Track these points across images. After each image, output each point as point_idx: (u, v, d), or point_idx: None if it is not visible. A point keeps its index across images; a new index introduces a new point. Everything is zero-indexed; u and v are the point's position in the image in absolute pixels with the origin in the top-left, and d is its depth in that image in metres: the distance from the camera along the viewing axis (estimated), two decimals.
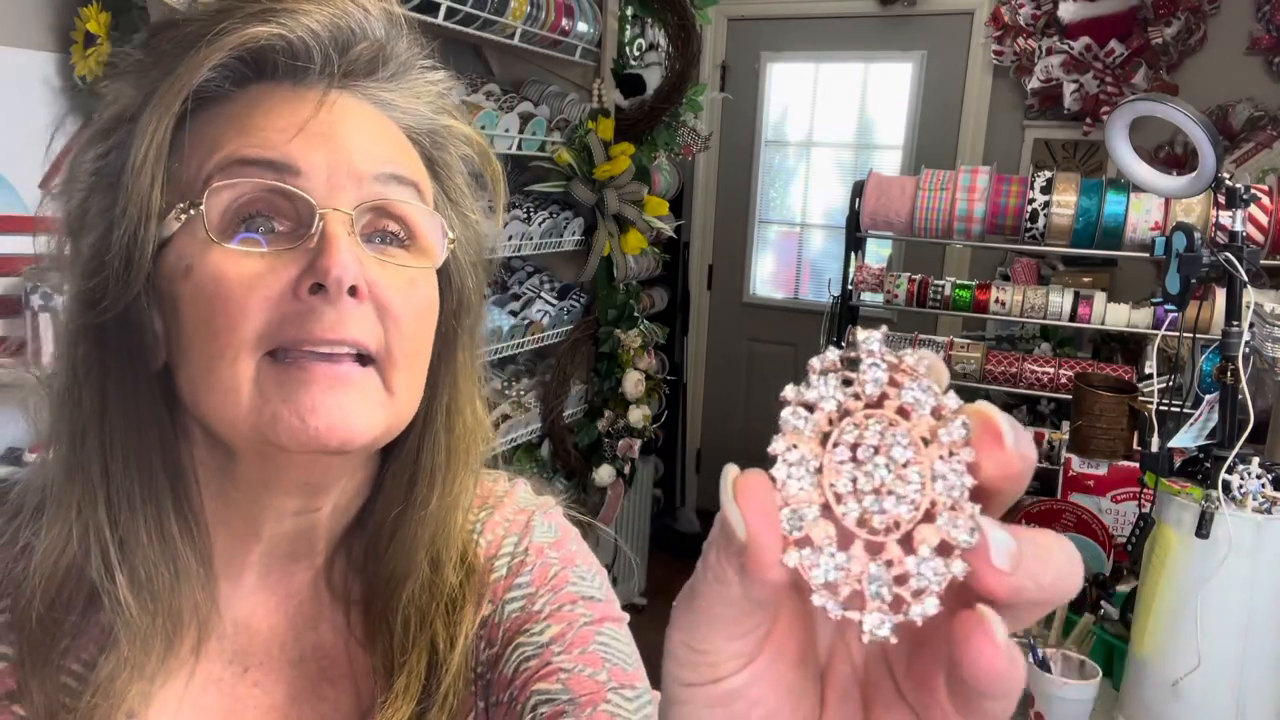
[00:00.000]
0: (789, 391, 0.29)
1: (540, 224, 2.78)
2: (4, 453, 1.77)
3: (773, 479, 0.28)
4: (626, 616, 0.66)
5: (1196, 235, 1.52)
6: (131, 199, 0.52)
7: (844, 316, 2.92)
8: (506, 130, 2.60)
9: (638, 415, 3.24)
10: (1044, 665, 1.52)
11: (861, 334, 0.29)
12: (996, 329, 3.57)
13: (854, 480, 0.28)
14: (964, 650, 0.26)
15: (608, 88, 3.06)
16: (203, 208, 0.52)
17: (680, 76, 3.20)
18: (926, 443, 0.27)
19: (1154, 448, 1.53)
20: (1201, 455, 1.47)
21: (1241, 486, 1.37)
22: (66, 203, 0.56)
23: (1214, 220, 1.67)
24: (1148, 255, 2.51)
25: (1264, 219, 2.37)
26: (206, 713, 0.59)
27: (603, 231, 3.03)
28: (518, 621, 0.63)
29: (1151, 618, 1.45)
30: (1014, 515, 2.09)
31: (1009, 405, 3.47)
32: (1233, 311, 1.49)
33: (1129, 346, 3.34)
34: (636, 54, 3.23)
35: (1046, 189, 2.54)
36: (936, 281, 2.83)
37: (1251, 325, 1.56)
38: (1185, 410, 1.58)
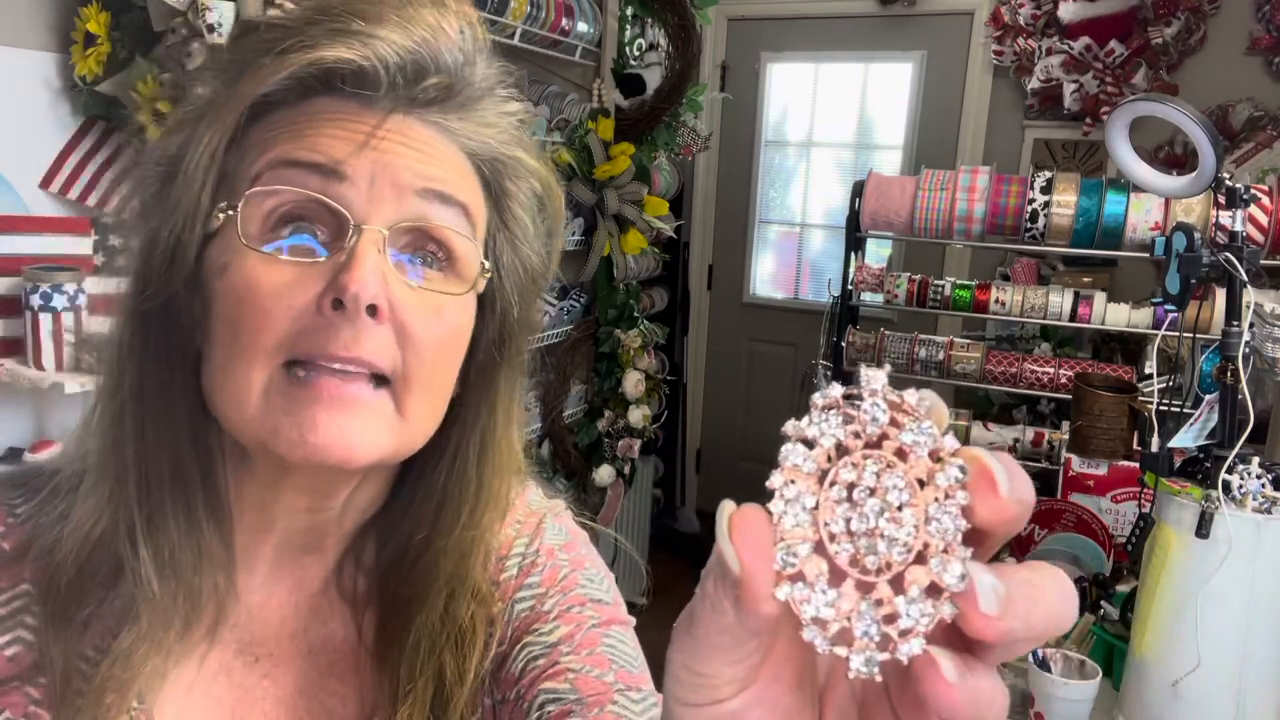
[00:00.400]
0: (789, 427, 0.29)
1: None
2: (4, 453, 1.78)
3: (769, 513, 0.28)
4: (633, 620, 0.66)
5: (1196, 235, 1.52)
6: (182, 200, 0.54)
7: (844, 316, 2.92)
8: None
9: (638, 415, 3.24)
10: (1044, 665, 1.52)
11: (865, 372, 0.29)
12: (996, 329, 3.57)
13: (848, 520, 0.28)
14: (921, 686, 0.27)
15: (608, 88, 3.06)
16: (239, 213, 0.53)
17: (680, 76, 3.20)
18: (923, 484, 0.28)
19: (1154, 448, 1.53)
20: (1201, 455, 1.47)
21: (1241, 486, 1.37)
22: (139, 190, 0.57)
23: (1214, 220, 1.67)
24: (1148, 255, 2.51)
25: (1264, 219, 2.37)
26: (215, 701, 0.60)
27: (603, 231, 3.03)
28: (526, 621, 0.63)
29: (1151, 618, 1.45)
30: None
31: (1009, 405, 3.48)
32: (1233, 311, 1.49)
33: (1129, 346, 3.34)
34: (636, 54, 3.24)
35: (1046, 189, 2.54)
36: (936, 281, 2.83)
37: (1251, 325, 1.56)
38: (1185, 410, 1.58)
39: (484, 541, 0.64)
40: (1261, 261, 1.67)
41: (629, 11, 3.16)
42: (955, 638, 0.28)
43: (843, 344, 2.92)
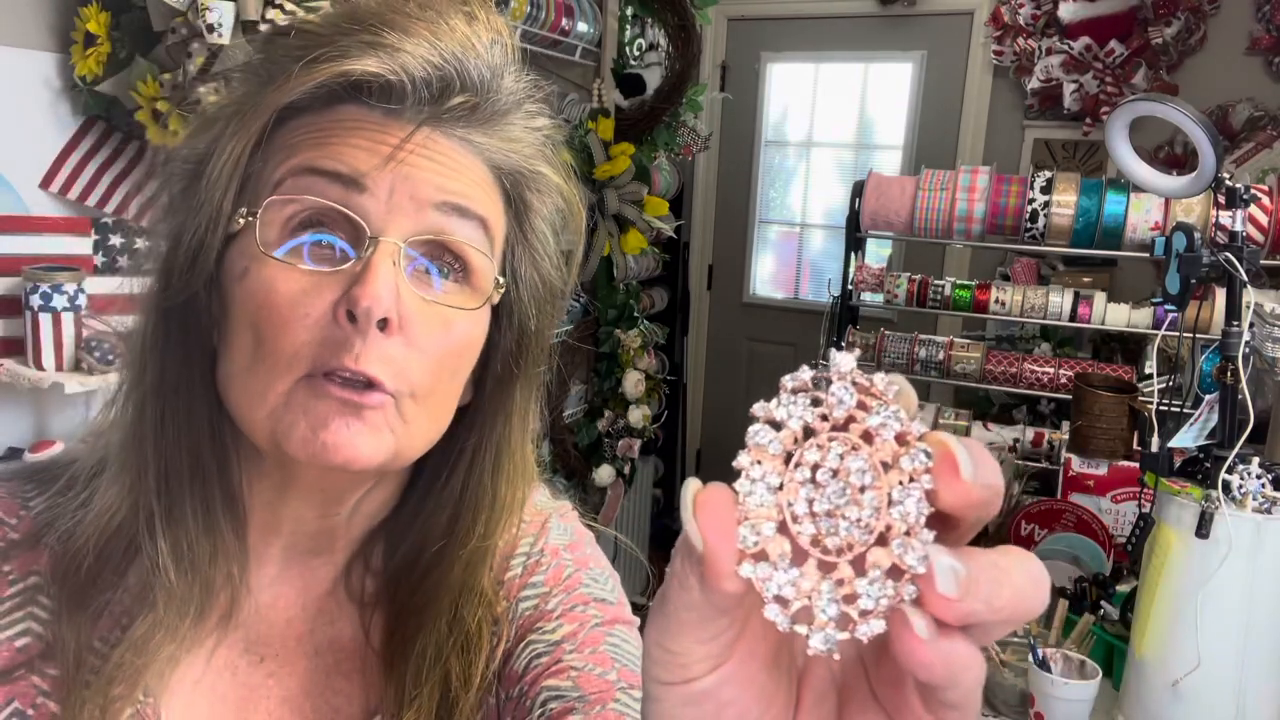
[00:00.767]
0: (758, 408, 0.30)
1: None
2: (4, 453, 1.77)
3: (736, 492, 0.29)
4: (637, 620, 0.66)
5: (1196, 235, 1.52)
6: (205, 203, 0.54)
7: (844, 316, 2.92)
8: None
9: (638, 415, 3.24)
10: (1044, 665, 1.52)
11: (835, 356, 0.29)
12: (996, 329, 3.57)
13: (810, 501, 0.28)
14: (895, 645, 0.27)
15: (608, 88, 3.06)
16: (257, 220, 0.54)
17: (680, 76, 3.20)
18: (887, 468, 0.28)
19: (1154, 448, 1.53)
20: (1201, 455, 1.47)
21: (1241, 486, 1.37)
22: (164, 184, 0.58)
23: (1214, 220, 1.67)
24: (1148, 255, 2.51)
25: (1264, 219, 2.37)
26: (220, 698, 0.60)
27: (603, 231, 3.03)
28: (530, 619, 0.64)
29: (1151, 618, 1.45)
30: (1014, 516, 2.09)
31: (1009, 405, 3.48)
32: (1233, 311, 1.49)
33: (1129, 346, 3.34)
34: (636, 54, 3.24)
35: (1046, 189, 2.54)
36: (936, 281, 2.83)
37: (1251, 325, 1.56)
38: (1185, 410, 1.58)
39: (494, 550, 0.64)
40: (1261, 261, 1.67)
41: (629, 11, 3.16)
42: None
43: (843, 344, 2.92)
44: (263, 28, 1.57)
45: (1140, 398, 2.21)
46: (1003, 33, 3.86)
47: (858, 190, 2.78)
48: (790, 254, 4.75)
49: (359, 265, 0.53)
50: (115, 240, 1.87)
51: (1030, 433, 2.74)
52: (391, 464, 0.56)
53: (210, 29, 1.57)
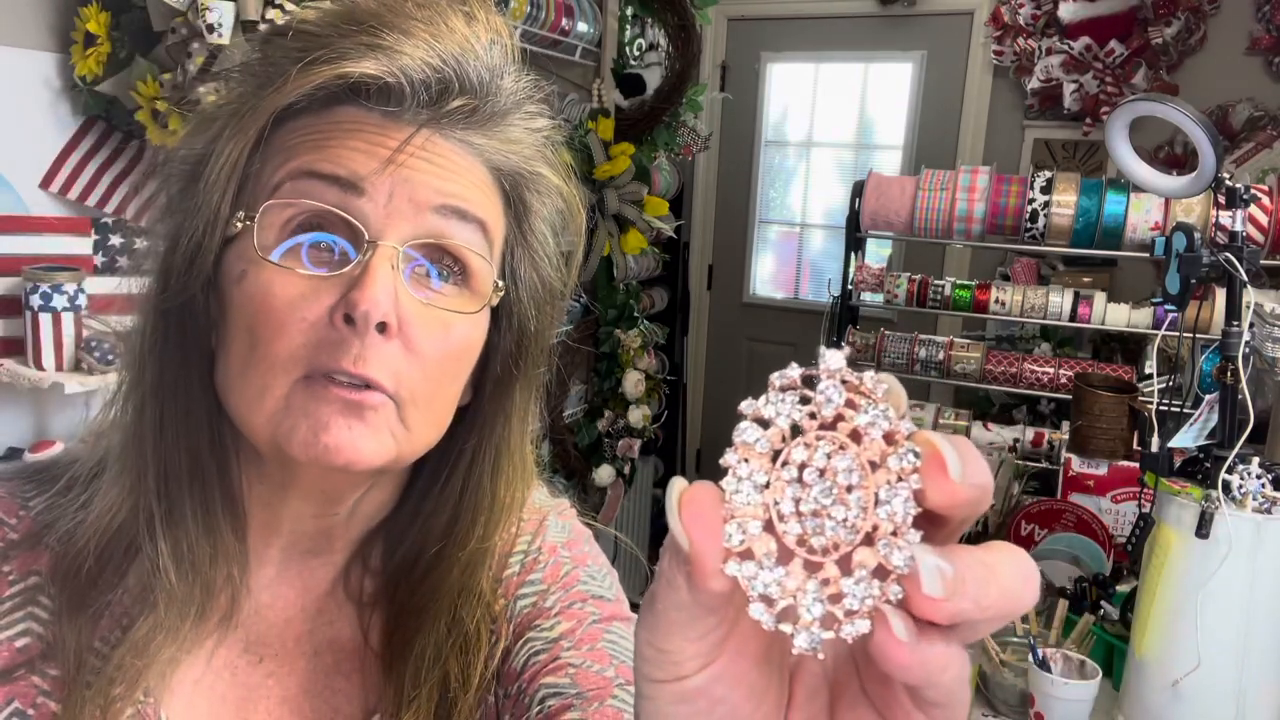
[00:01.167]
0: (745, 406, 0.29)
1: None
2: (4, 453, 1.78)
3: (723, 490, 0.29)
4: (635, 617, 0.66)
5: (1196, 235, 1.52)
6: (203, 206, 0.54)
7: (844, 316, 2.92)
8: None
9: (638, 415, 3.24)
10: (1044, 665, 1.52)
11: (824, 353, 0.29)
12: (996, 329, 3.57)
13: (797, 501, 0.28)
14: (873, 647, 0.27)
15: (608, 88, 3.06)
16: (255, 224, 0.53)
17: (680, 76, 3.20)
18: (875, 467, 0.28)
19: (1154, 448, 1.53)
20: (1201, 455, 1.47)
21: (1241, 486, 1.37)
22: (162, 185, 0.58)
23: (1214, 220, 1.67)
24: (1148, 255, 2.51)
25: (1264, 219, 2.37)
26: (220, 698, 0.60)
27: (603, 231, 3.03)
28: (529, 617, 0.64)
29: (1151, 618, 1.45)
30: (1014, 515, 2.09)
31: (1009, 405, 3.48)
32: (1233, 311, 1.49)
33: (1129, 346, 3.34)
34: (636, 54, 3.24)
35: (1046, 189, 2.54)
36: (936, 281, 2.83)
37: (1251, 325, 1.56)
38: (1185, 410, 1.58)
39: (493, 550, 0.64)
40: (1261, 261, 1.67)
41: (629, 11, 3.16)
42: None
43: (842, 343, 2.91)
44: (262, 28, 1.57)
45: (1140, 398, 2.21)
46: (1003, 33, 3.86)
47: (858, 190, 2.78)
48: (790, 254, 4.75)
49: (357, 269, 0.53)
50: (115, 240, 1.87)
51: (1030, 433, 2.74)
52: (392, 466, 0.56)
53: (210, 29, 1.57)
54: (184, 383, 0.56)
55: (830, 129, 4.54)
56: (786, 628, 0.28)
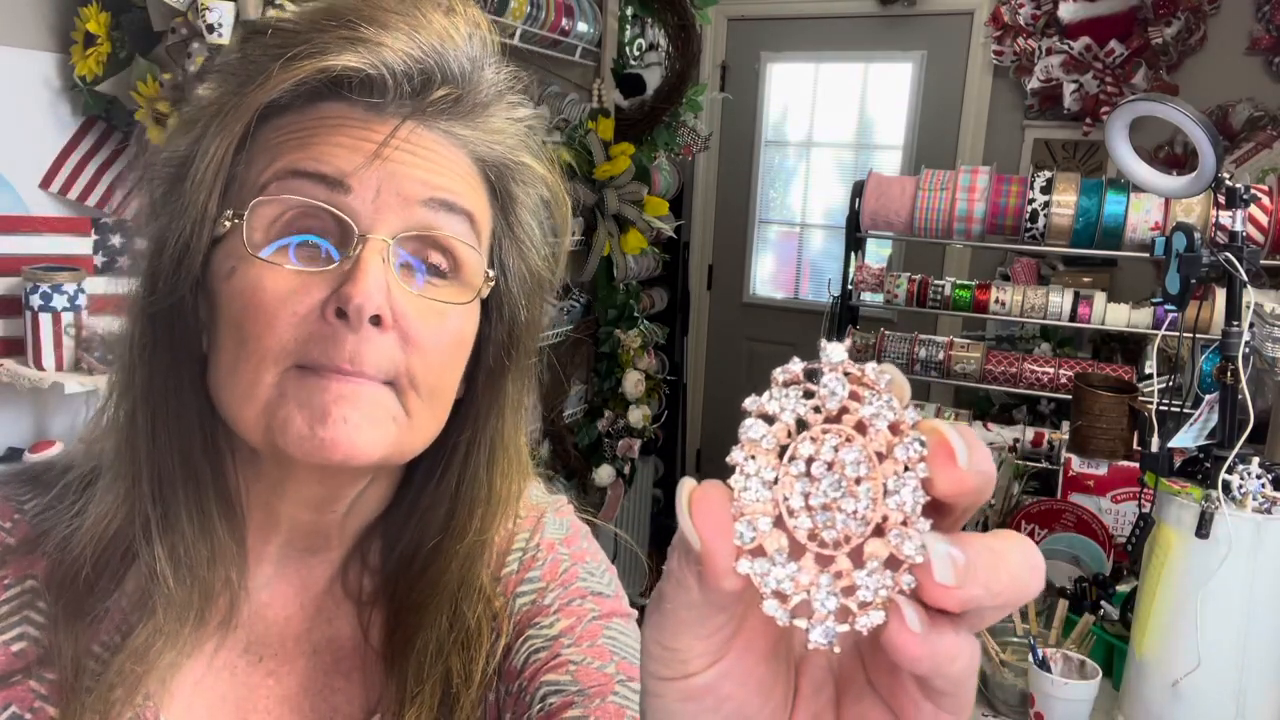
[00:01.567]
0: (749, 402, 0.29)
1: None
2: (4, 453, 1.78)
3: (731, 488, 0.29)
4: (635, 613, 0.66)
5: (1196, 235, 1.52)
6: (190, 207, 0.54)
7: (844, 316, 2.92)
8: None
9: (638, 415, 3.24)
10: (1044, 665, 1.52)
11: (826, 347, 0.29)
12: (996, 329, 3.57)
13: (806, 495, 0.28)
14: (885, 639, 0.27)
15: (608, 88, 3.06)
16: (245, 221, 0.53)
17: (680, 76, 3.20)
18: (882, 458, 0.28)
19: (1154, 448, 1.53)
20: (1201, 455, 1.47)
21: (1241, 486, 1.37)
22: (148, 188, 0.58)
23: (1214, 220, 1.67)
24: (1148, 255, 2.51)
25: (1264, 219, 2.37)
26: (220, 700, 0.60)
27: (602, 231, 3.03)
28: (528, 615, 0.64)
29: (1151, 618, 1.45)
30: (1014, 515, 2.09)
31: (1009, 405, 3.48)
32: (1233, 311, 1.49)
33: (1129, 346, 3.34)
34: (636, 54, 3.23)
35: (1046, 189, 2.54)
36: (936, 281, 2.83)
37: (1251, 325, 1.56)
38: (1185, 410, 1.58)
39: (491, 544, 0.64)
40: (1261, 261, 1.67)
41: (629, 11, 3.16)
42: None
43: (842, 340, 2.91)
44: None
45: (1140, 398, 2.20)
46: (1003, 33, 3.86)
47: (858, 190, 2.78)
48: (790, 254, 4.75)
49: (348, 263, 0.53)
50: (115, 240, 1.87)
51: (1030, 433, 2.74)
52: (392, 458, 0.56)
53: (210, 29, 1.57)
54: (175, 386, 0.56)
55: (830, 129, 4.54)
56: (801, 623, 0.28)
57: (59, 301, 1.66)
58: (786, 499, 0.28)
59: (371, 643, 0.63)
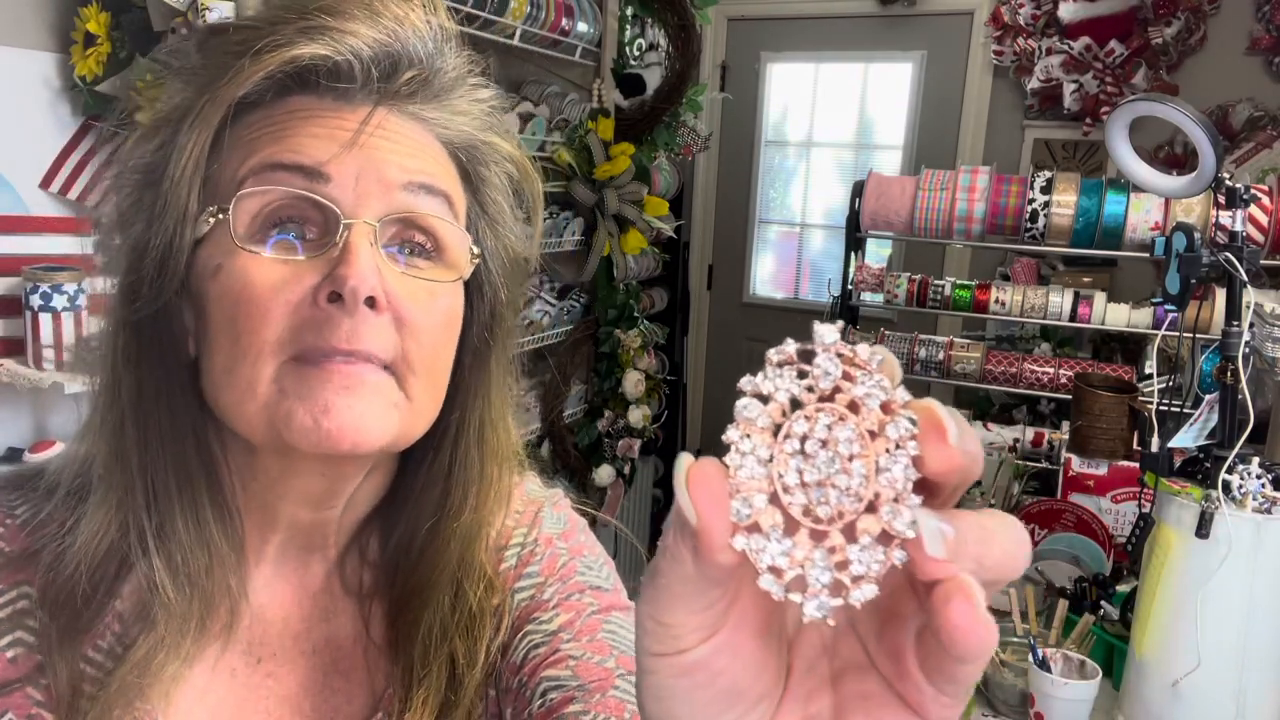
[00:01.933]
0: (744, 382, 0.30)
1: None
2: (4, 453, 1.78)
3: (726, 466, 0.29)
4: (633, 606, 0.66)
5: (1196, 235, 1.52)
6: (169, 207, 0.54)
7: (844, 316, 2.92)
8: (506, 130, 2.60)
9: (638, 415, 3.24)
10: (1044, 665, 1.52)
11: (819, 328, 0.30)
12: (996, 329, 3.57)
13: (801, 472, 0.29)
14: (945, 614, 0.27)
15: (608, 88, 3.06)
16: (230, 214, 0.53)
17: (680, 76, 3.19)
18: (874, 436, 0.29)
19: (1154, 448, 1.53)
20: (1201, 455, 1.47)
21: (1241, 486, 1.37)
22: (115, 197, 0.58)
23: (1214, 220, 1.67)
24: (1148, 255, 2.51)
25: (1264, 219, 2.37)
26: (220, 701, 0.60)
27: (602, 231, 3.02)
28: (527, 610, 0.64)
29: (1151, 618, 1.45)
30: (1014, 515, 2.09)
31: (1009, 405, 3.48)
32: (1233, 311, 1.49)
33: (1129, 346, 3.34)
34: (636, 54, 3.23)
35: (1046, 189, 2.54)
36: (936, 281, 2.83)
37: (1251, 325, 1.56)
38: (1185, 410, 1.58)
39: (488, 526, 0.65)
40: (1261, 261, 1.67)
41: (629, 11, 3.15)
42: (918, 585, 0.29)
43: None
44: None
45: (1140, 398, 2.20)
46: (1003, 33, 3.86)
47: (858, 190, 2.78)
48: (790, 254, 4.75)
49: (336, 249, 0.53)
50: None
51: (1030, 433, 2.74)
52: (397, 443, 0.56)
53: None
54: (164, 393, 0.56)
55: (830, 129, 4.54)
56: (796, 597, 0.29)
57: (59, 301, 1.66)
58: (781, 476, 0.29)
59: (373, 636, 0.63)
